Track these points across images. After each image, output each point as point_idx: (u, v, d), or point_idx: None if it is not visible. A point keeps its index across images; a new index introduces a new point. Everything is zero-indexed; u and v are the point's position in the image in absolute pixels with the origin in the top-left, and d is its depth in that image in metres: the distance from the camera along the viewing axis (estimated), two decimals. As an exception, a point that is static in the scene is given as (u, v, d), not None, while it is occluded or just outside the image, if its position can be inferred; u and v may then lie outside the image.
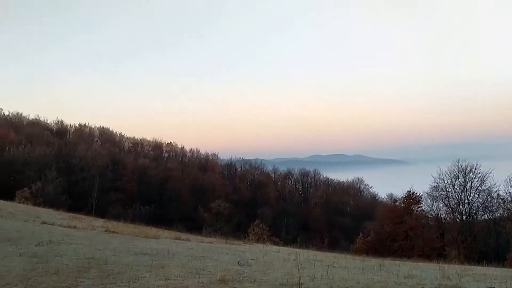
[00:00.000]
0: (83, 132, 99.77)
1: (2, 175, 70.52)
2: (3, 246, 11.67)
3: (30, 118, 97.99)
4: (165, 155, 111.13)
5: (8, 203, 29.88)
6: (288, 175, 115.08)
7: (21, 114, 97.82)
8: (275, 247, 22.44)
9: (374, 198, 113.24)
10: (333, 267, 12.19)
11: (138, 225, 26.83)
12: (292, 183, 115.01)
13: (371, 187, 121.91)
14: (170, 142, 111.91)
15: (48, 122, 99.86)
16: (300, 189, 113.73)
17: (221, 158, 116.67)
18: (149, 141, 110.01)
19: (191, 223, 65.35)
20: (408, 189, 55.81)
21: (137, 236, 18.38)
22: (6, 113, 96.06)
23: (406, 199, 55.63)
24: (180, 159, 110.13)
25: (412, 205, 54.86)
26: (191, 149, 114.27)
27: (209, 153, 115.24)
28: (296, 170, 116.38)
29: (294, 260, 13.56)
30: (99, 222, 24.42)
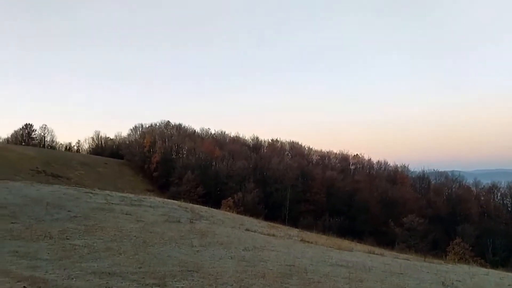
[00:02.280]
0: (275, 147, 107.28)
1: (210, 186, 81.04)
2: (217, 249, 13.22)
3: (231, 136, 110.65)
4: (352, 167, 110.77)
5: (216, 210, 33.88)
6: (493, 189, 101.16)
7: (224, 132, 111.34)
8: (483, 269, 19.83)
9: None
10: None
11: (330, 237, 27.22)
12: (499, 198, 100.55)
13: None
14: (357, 154, 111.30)
15: (246, 138, 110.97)
16: (509, 205, 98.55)
17: (412, 170, 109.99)
18: (336, 153, 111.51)
19: (382, 237, 63.07)
20: None
21: (330, 247, 18.61)
22: (213, 131, 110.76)
23: None
24: (367, 171, 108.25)
25: None
26: (378, 160, 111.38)
27: (398, 165, 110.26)
28: (503, 183, 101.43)
29: (509, 285, 11.72)
30: (294, 231, 25.63)
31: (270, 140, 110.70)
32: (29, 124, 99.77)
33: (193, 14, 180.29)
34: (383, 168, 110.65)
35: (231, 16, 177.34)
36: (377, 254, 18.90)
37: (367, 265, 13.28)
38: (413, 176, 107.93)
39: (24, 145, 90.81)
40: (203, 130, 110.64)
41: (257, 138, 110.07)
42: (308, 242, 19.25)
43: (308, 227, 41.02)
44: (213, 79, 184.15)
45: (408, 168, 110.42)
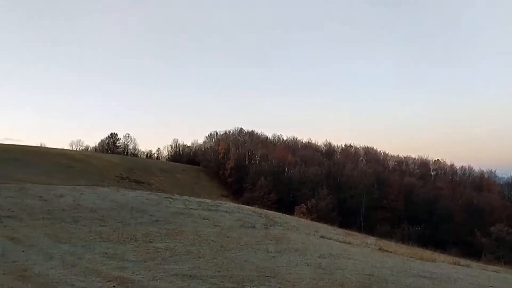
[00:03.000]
0: (349, 152, 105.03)
1: (283, 192, 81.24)
2: (293, 255, 13.19)
3: (303, 141, 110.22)
4: (433, 173, 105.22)
5: (290, 216, 33.87)
6: None
7: (296, 138, 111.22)
8: None
9: None
10: None
11: (410, 246, 26.01)
12: None
13: None
14: (438, 159, 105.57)
15: (318, 144, 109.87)
16: None
17: (499, 175, 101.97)
18: (414, 159, 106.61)
19: (467, 248, 59.03)
20: None
21: (411, 257, 17.77)
22: (285, 138, 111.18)
23: None
24: (450, 177, 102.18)
25: None
26: (462, 166, 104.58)
27: (484, 170, 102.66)
28: None
29: None
30: (371, 239, 24.85)
31: (343, 146, 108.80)
32: (114, 133, 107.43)
33: (268, 21, 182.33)
34: (467, 174, 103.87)
35: (307, 25, 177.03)
36: (462, 265, 17.73)
37: (452, 276, 12.50)
38: (501, 183, 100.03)
39: (109, 153, 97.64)
40: (275, 136, 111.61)
41: (329, 143, 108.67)
42: (386, 251, 18.55)
43: (386, 236, 39.53)
44: (285, 86, 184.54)
45: (495, 174, 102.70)
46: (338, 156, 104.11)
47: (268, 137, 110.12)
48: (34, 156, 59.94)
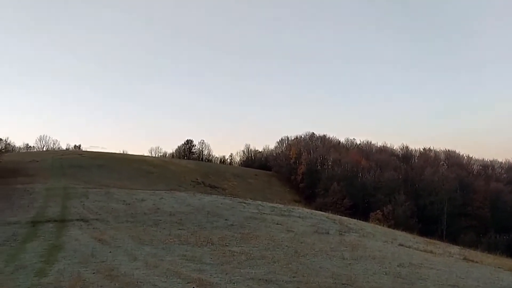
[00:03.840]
0: (428, 156, 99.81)
1: (357, 197, 79.24)
2: (370, 263, 12.83)
3: (378, 145, 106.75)
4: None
5: (365, 223, 32.95)
6: None
7: (370, 142, 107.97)
8: None
9: None
10: None
11: (497, 256, 24.13)
12: None
13: None
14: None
15: (394, 148, 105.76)
16: None
17: None
18: (501, 162, 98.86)
19: None
20: None
21: (499, 268, 16.48)
22: (358, 142, 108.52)
23: None
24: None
25: None
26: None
27: None
28: None
29: None
30: (455, 249, 23.41)
31: (421, 149, 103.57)
32: (189, 140, 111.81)
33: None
34: None
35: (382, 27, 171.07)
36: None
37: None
38: None
39: (186, 159, 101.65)
40: (348, 140, 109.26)
41: (406, 147, 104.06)
42: (472, 261, 17.37)
43: (470, 245, 36.99)
44: (358, 89, 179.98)
45: None
46: (416, 160, 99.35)
47: (341, 141, 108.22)
48: (117, 163, 64.15)
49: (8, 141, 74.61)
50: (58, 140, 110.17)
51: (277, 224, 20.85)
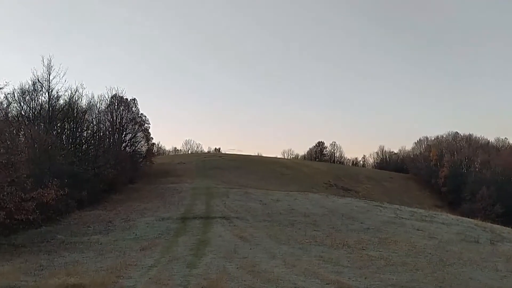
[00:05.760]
0: None
1: (510, 204, 70.35)
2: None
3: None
4: None
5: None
6: None
7: None
8: None
9: None
10: None
11: None
12: None
13: None
14: None
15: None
16: None
17: None
18: None
19: None
20: None
21: None
22: (511, 142, 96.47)
23: None
24: None
25: None
26: None
27: None
28: None
29: None
30: None
31: None
32: (321, 142, 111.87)
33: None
34: None
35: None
36: None
37: None
38: None
39: (317, 160, 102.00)
40: (498, 140, 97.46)
41: None
42: None
43: None
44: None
45: None
46: None
47: (490, 141, 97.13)
48: (252, 164, 67.40)
49: (159, 145, 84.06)
50: (200, 143, 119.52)
51: (418, 230, 19.71)
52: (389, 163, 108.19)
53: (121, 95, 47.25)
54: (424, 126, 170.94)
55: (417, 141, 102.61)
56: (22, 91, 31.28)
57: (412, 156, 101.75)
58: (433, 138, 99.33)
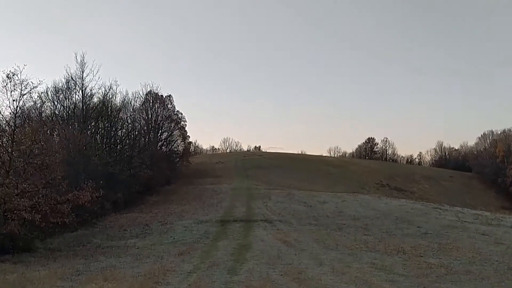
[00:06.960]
0: None
1: None
2: None
3: None
4: None
5: None
6: None
7: None
8: None
9: None
10: None
11: None
12: None
13: None
14: None
15: None
16: None
17: None
18: None
19: None
20: None
21: None
22: None
23: None
24: None
25: None
26: None
27: None
28: None
29: None
30: None
31: None
32: (371, 138, 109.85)
33: None
34: None
35: None
36: None
37: None
38: None
39: (367, 158, 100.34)
40: None
41: None
42: None
43: None
44: None
45: None
46: None
47: None
48: (295, 163, 67.19)
49: (196, 144, 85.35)
50: (240, 141, 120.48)
51: (483, 234, 19.01)
52: (449, 161, 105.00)
53: (156, 91, 48.41)
54: (488, 119, 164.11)
55: (481, 135, 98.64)
56: (55, 90, 32.75)
57: (475, 152, 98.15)
58: (499, 132, 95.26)
